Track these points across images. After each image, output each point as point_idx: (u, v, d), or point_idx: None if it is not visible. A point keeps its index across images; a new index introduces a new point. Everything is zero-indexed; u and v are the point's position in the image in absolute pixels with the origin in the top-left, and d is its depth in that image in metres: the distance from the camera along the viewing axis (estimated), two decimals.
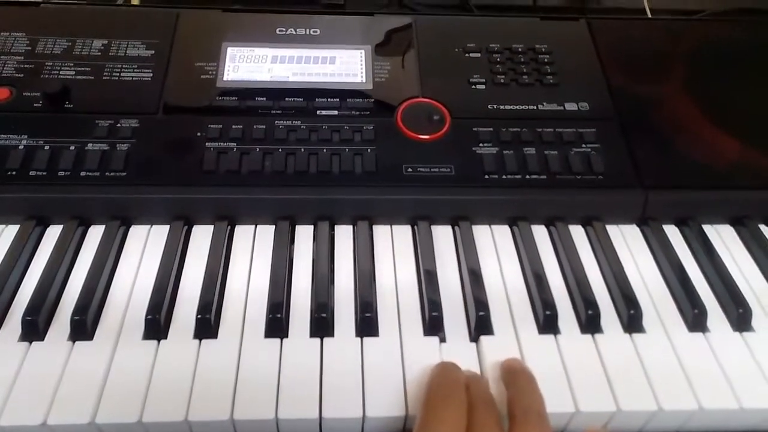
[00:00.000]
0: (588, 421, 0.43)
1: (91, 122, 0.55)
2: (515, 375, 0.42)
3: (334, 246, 0.52)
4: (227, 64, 0.60)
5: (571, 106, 0.59)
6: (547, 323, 0.47)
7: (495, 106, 0.59)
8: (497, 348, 0.45)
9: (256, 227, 0.53)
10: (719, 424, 0.44)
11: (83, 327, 0.44)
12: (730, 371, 0.44)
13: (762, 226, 0.56)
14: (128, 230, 0.52)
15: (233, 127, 0.55)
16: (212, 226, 0.52)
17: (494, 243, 0.53)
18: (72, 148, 0.53)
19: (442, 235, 0.53)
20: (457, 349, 0.45)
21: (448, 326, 0.47)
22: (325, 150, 0.54)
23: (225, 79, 0.59)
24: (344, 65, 0.60)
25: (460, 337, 0.46)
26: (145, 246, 0.51)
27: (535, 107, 0.59)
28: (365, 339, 0.45)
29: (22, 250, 0.49)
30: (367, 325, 0.46)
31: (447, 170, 0.54)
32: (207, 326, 0.45)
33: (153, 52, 0.60)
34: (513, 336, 0.46)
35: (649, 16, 0.79)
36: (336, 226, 0.53)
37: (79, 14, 0.63)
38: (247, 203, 0.52)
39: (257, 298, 0.47)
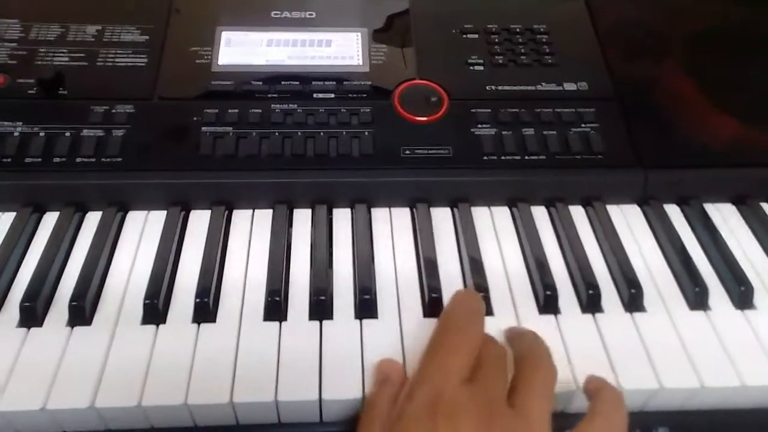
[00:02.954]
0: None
1: (86, 108, 0.54)
2: (521, 334, 0.43)
3: (333, 229, 0.52)
4: (222, 49, 0.59)
5: (570, 86, 0.59)
6: (548, 303, 0.46)
7: (493, 87, 0.58)
8: (498, 329, 0.45)
9: (253, 211, 0.53)
10: (721, 401, 0.44)
11: (81, 312, 0.44)
12: (732, 349, 0.44)
13: (763, 204, 0.55)
14: (125, 216, 0.52)
15: (229, 111, 0.55)
16: (209, 211, 0.52)
17: (493, 224, 0.53)
18: (67, 134, 0.52)
19: (441, 217, 0.53)
20: None
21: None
22: (322, 133, 0.54)
23: (220, 63, 0.58)
24: (340, 48, 0.60)
25: None
26: (142, 231, 0.51)
27: (533, 88, 0.58)
28: (365, 321, 0.45)
29: (19, 237, 0.49)
30: (366, 307, 0.45)
31: (445, 152, 0.54)
32: (205, 310, 0.45)
33: (147, 37, 0.59)
34: (513, 316, 0.46)
35: None
36: (334, 210, 0.53)
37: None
38: (244, 187, 0.52)
39: (256, 282, 0.47)
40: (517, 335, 0.43)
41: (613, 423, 0.38)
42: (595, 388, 0.40)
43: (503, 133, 0.55)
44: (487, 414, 0.35)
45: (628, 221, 0.54)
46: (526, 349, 0.41)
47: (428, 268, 0.48)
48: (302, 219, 0.52)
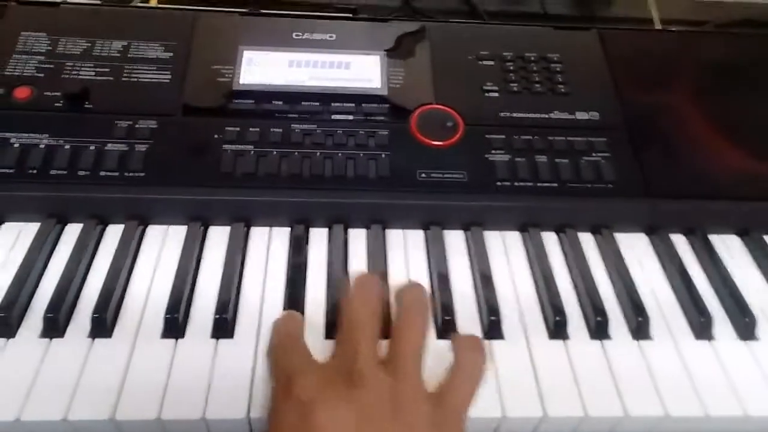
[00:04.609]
0: (596, 426, 0.44)
1: (110, 123, 0.55)
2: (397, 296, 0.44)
3: (348, 249, 0.53)
4: (244, 68, 0.60)
5: (581, 116, 0.60)
6: (557, 329, 0.48)
7: (507, 114, 0.60)
8: (508, 353, 0.46)
9: (271, 229, 0.54)
10: (724, 430, 0.45)
11: (103, 325, 0.45)
12: (735, 379, 0.45)
13: (767, 237, 0.57)
14: (145, 230, 0.53)
15: (250, 129, 0.56)
16: (229, 228, 0.53)
17: (505, 249, 0.54)
18: (92, 147, 0.54)
19: (454, 240, 0.54)
20: None
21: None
22: (340, 154, 0.55)
23: (242, 82, 0.59)
24: (360, 70, 0.61)
25: None
26: (162, 246, 0.52)
27: (546, 116, 0.60)
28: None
29: (42, 248, 0.50)
30: None
31: (460, 176, 0.55)
32: (224, 326, 0.46)
33: (171, 54, 0.61)
34: (524, 341, 0.47)
35: (658, 26, 0.80)
36: (350, 230, 0.54)
37: (99, 15, 0.64)
38: (263, 205, 0.53)
39: (272, 300, 0.48)
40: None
41: (473, 364, 0.40)
42: (454, 337, 0.43)
43: (517, 159, 0.56)
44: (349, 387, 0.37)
45: (636, 250, 0.55)
46: (398, 310, 0.42)
47: (441, 290, 0.49)
48: (319, 238, 0.53)
